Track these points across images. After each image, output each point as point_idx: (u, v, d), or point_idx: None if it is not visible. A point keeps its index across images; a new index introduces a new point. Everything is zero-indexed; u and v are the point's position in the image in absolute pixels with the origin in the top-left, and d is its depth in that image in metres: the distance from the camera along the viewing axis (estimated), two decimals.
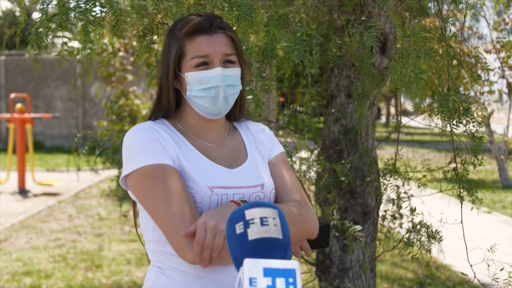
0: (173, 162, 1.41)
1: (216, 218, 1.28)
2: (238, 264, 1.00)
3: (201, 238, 1.26)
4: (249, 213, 1.05)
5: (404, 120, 3.17)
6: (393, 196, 2.87)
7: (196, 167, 1.43)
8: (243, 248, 1.02)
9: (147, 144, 1.41)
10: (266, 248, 1.01)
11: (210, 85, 1.45)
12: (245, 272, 0.92)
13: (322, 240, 1.61)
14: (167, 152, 1.42)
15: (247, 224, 1.04)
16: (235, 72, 1.49)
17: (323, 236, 1.61)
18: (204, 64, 1.45)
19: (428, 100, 2.70)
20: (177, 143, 1.47)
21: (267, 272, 0.92)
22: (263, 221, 1.04)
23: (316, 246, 1.60)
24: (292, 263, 0.94)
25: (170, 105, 1.53)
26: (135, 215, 1.58)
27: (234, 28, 1.97)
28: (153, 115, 1.55)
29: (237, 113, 1.61)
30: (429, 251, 2.65)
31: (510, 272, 2.28)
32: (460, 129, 2.23)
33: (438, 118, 2.23)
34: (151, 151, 1.40)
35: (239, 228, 1.04)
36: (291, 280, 0.92)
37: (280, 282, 0.91)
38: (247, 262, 0.93)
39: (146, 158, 1.39)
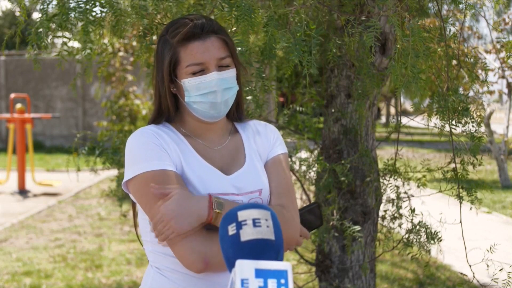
0: (175, 167, 1.42)
1: (177, 212, 1.30)
2: (231, 265, 1.01)
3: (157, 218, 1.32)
4: (242, 215, 1.05)
5: (404, 120, 3.17)
6: (393, 196, 2.87)
7: (197, 173, 1.43)
8: (235, 249, 1.02)
9: (149, 149, 1.41)
10: (258, 249, 1.02)
11: (207, 90, 1.45)
12: (237, 273, 0.92)
13: (316, 221, 1.62)
14: (169, 157, 1.42)
15: (239, 226, 1.04)
16: (231, 74, 1.48)
17: (316, 216, 1.62)
18: (200, 71, 1.45)
19: (427, 100, 2.71)
20: (180, 147, 1.47)
21: (259, 273, 0.93)
22: (255, 223, 1.04)
23: (311, 227, 1.61)
24: (284, 264, 0.94)
25: (170, 109, 1.52)
26: (135, 215, 1.58)
27: (234, 28, 1.97)
28: (156, 118, 1.54)
29: (235, 112, 1.60)
30: (428, 251, 2.65)
31: (509, 272, 2.28)
32: (459, 129, 2.23)
33: (437, 118, 2.23)
34: (153, 156, 1.40)
35: (231, 229, 1.04)
36: (282, 281, 0.92)
37: (272, 283, 0.92)
38: (239, 263, 0.94)
39: (147, 163, 1.39)
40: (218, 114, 1.49)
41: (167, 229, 1.30)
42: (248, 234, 1.03)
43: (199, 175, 1.43)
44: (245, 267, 0.93)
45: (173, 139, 1.47)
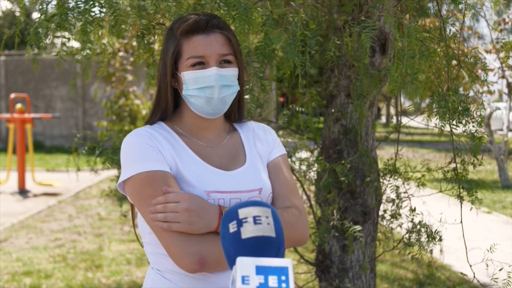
0: (169, 168, 1.42)
1: (194, 205, 1.32)
2: (232, 263, 1.01)
3: (164, 200, 1.33)
4: (242, 212, 1.06)
5: (404, 120, 3.17)
6: (393, 196, 2.87)
7: (193, 171, 1.43)
8: (236, 247, 1.02)
9: (143, 150, 1.42)
10: (259, 246, 1.02)
11: (205, 85, 1.45)
12: (238, 270, 0.92)
13: None
14: (163, 158, 1.42)
15: (240, 223, 1.04)
16: (231, 72, 1.48)
17: None
18: (200, 64, 1.45)
19: (427, 100, 2.70)
20: (174, 147, 1.47)
21: (260, 270, 0.93)
22: (256, 220, 1.04)
23: None
24: (284, 261, 0.94)
25: (168, 105, 1.53)
26: (134, 216, 1.58)
27: (232, 28, 1.96)
28: (152, 116, 1.55)
29: (236, 113, 1.60)
30: (430, 251, 2.65)
31: (509, 272, 2.28)
32: (460, 129, 2.23)
33: (437, 118, 2.23)
34: (147, 157, 1.41)
35: (232, 227, 1.04)
36: (283, 278, 0.92)
37: (273, 280, 0.92)
38: (240, 260, 0.94)
39: (142, 164, 1.40)
40: (214, 111, 1.48)
41: (175, 219, 1.31)
42: (248, 231, 1.03)
43: (195, 174, 1.43)
44: (245, 264, 0.93)
45: (168, 139, 1.47)
